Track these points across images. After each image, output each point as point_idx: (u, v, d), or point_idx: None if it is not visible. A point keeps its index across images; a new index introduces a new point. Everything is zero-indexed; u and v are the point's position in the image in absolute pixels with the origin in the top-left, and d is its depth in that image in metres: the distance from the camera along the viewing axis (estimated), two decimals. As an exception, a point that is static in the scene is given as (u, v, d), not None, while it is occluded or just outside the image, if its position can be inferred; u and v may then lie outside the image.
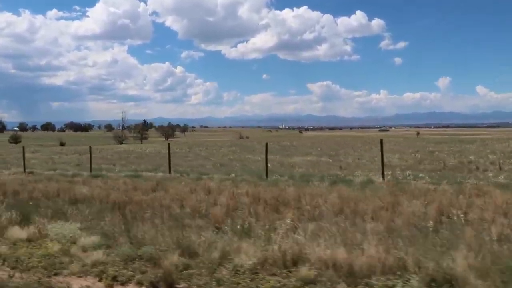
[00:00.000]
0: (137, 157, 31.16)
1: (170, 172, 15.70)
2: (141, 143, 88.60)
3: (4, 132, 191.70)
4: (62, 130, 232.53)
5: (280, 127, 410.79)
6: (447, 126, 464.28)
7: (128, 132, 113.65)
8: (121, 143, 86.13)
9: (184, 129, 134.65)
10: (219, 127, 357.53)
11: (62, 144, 79.74)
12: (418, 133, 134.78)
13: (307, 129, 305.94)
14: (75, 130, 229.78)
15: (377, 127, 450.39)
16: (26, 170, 17.68)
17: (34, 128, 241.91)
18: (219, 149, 43.71)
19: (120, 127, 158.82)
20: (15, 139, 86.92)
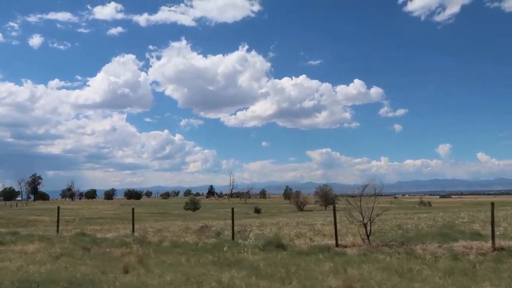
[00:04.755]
0: None
1: None
2: (325, 210, 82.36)
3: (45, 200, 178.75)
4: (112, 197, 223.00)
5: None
6: (461, 194, 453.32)
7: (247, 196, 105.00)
8: (301, 210, 79.72)
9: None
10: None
11: (257, 211, 73.34)
12: None
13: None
14: (129, 198, 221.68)
15: (388, 195, 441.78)
16: None
17: (81, 195, 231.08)
18: None
19: (229, 192, 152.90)
20: (194, 206, 79.64)
